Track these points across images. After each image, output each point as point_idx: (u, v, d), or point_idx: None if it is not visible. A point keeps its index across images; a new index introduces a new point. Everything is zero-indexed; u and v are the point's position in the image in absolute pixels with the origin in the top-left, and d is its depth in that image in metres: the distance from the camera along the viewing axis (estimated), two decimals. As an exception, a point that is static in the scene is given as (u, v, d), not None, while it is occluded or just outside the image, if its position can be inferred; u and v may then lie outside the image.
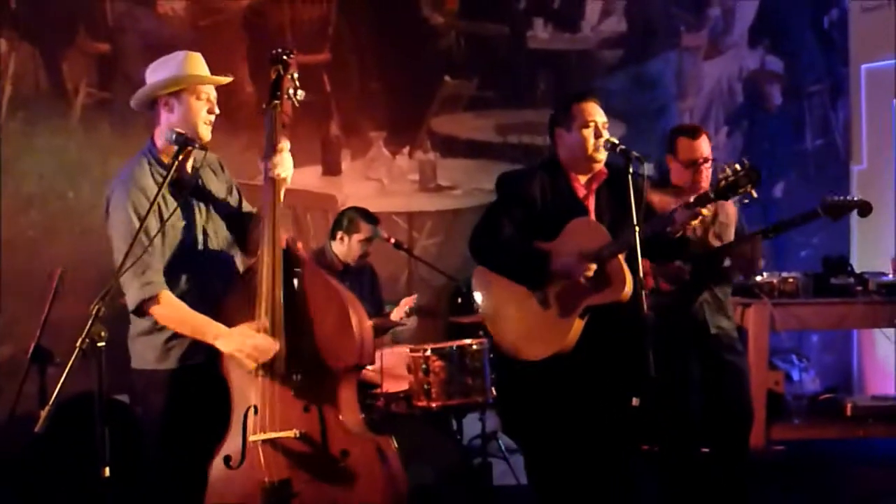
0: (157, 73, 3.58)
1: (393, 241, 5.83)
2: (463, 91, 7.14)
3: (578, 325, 3.83)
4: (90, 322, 3.06)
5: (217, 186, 3.72)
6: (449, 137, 7.14)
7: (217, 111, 3.62)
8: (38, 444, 4.63)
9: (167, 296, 3.47)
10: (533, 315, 3.92)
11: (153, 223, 3.46)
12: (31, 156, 6.55)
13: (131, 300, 3.45)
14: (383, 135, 7.05)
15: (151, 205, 3.37)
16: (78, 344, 3.02)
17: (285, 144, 3.55)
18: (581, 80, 7.18)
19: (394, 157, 7.08)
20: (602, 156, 3.95)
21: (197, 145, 3.51)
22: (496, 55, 7.20)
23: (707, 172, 4.61)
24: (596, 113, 3.96)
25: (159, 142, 3.59)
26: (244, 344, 3.44)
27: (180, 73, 3.54)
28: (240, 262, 3.77)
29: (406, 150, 7.09)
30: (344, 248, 5.61)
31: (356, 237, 5.58)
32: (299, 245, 3.64)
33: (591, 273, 3.77)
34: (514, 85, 7.19)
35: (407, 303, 5.71)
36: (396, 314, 5.66)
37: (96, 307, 3.13)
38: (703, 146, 4.63)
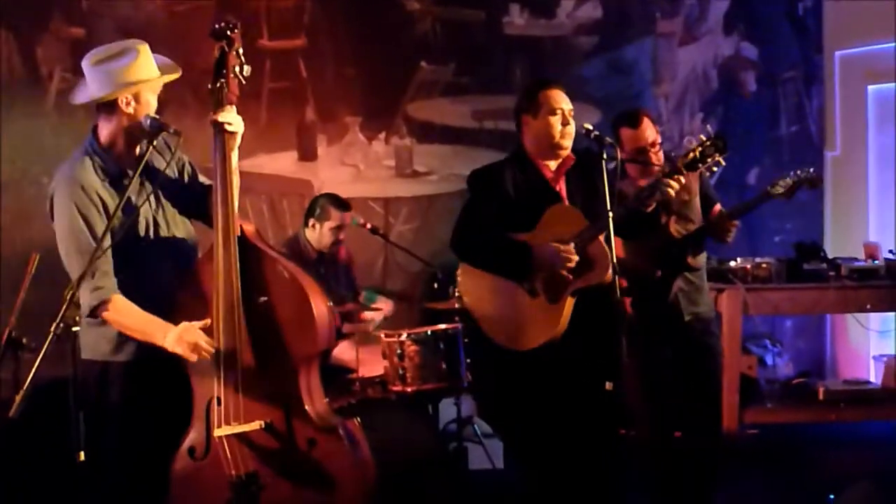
0: (103, 70, 3.45)
1: (369, 226, 5.84)
2: (439, 77, 7.13)
3: (569, 309, 3.87)
4: (64, 307, 3.05)
5: (167, 169, 3.61)
6: (425, 123, 7.13)
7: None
8: (12, 430, 4.62)
9: (118, 300, 3.42)
10: (523, 305, 3.95)
11: (100, 225, 3.41)
12: (5, 141, 6.51)
13: (83, 305, 3.38)
14: (359, 120, 7.04)
15: (116, 207, 3.33)
16: (52, 329, 3.01)
17: (231, 107, 3.43)
18: (557, 66, 7.19)
19: (370, 142, 7.07)
20: (568, 143, 3.99)
21: (172, 130, 3.43)
22: (472, 41, 7.19)
23: (658, 156, 4.54)
24: (562, 100, 3.99)
25: (104, 134, 3.51)
26: (181, 341, 3.37)
27: (144, 77, 3.45)
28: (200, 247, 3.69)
29: (382, 135, 7.08)
30: (316, 235, 5.62)
31: (327, 225, 5.59)
32: (251, 228, 3.57)
33: (573, 263, 3.81)
34: (491, 71, 7.18)
35: (383, 313, 5.77)
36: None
37: (70, 292, 3.12)
38: (647, 132, 4.54)
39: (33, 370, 2.94)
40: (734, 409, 6.06)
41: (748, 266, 6.25)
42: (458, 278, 4.20)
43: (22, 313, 4.71)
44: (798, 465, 5.83)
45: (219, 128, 3.43)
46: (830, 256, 6.53)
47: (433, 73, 7.12)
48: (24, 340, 4.43)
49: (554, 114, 3.96)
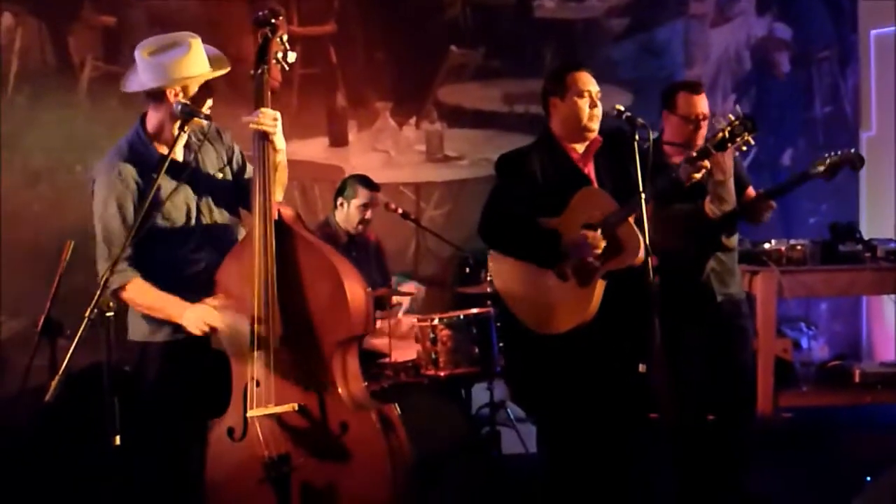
0: (155, 62, 3.51)
1: (400, 211, 5.84)
2: (469, 61, 7.12)
3: (599, 293, 3.86)
4: (99, 292, 3.08)
5: (213, 158, 3.72)
6: (455, 107, 7.13)
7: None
8: (48, 415, 4.67)
9: (137, 282, 3.51)
10: (553, 289, 3.95)
11: (131, 210, 3.51)
12: (39, 130, 6.56)
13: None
14: (390, 105, 7.05)
15: (149, 193, 3.36)
16: (87, 314, 3.04)
17: (270, 110, 3.50)
18: (588, 49, 7.16)
19: (400, 127, 7.08)
20: (595, 125, 3.99)
21: (202, 116, 3.49)
22: (502, 25, 7.16)
23: (704, 131, 4.52)
24: (590, 83, 3.99)
25: (151, 123, 3.61)
26: (196, 318, 3.47)
27: (195, 72, 3.53)
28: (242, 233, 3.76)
29: (413, 120, 7.08)
30: (343, 214, 5.63)
31: (355, 202, 5.60)
32: (290, 212, 3.60)
33: (600, 250, 3.80)
34: (521, 54, 7.16)
35: (406, 298, 5.78)
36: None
37: (105, 278, 3.16)
38: (703, 103, 4.54)
39: (68, 355, 2.97)
40: (769, 393, 6.03)
41: (782, 248, 6.20)
42: (489, 261, 4.20)
43: (57, 300, 4.76)
44: (834, 449, 5.78)
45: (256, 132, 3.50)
46: (866, 237, 6.46)
47: (463, 58, 7.10)
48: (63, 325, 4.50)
49: (581, 96, 3.96)
